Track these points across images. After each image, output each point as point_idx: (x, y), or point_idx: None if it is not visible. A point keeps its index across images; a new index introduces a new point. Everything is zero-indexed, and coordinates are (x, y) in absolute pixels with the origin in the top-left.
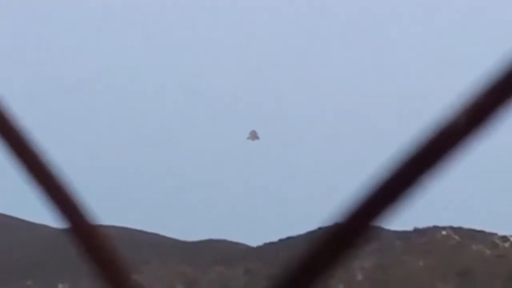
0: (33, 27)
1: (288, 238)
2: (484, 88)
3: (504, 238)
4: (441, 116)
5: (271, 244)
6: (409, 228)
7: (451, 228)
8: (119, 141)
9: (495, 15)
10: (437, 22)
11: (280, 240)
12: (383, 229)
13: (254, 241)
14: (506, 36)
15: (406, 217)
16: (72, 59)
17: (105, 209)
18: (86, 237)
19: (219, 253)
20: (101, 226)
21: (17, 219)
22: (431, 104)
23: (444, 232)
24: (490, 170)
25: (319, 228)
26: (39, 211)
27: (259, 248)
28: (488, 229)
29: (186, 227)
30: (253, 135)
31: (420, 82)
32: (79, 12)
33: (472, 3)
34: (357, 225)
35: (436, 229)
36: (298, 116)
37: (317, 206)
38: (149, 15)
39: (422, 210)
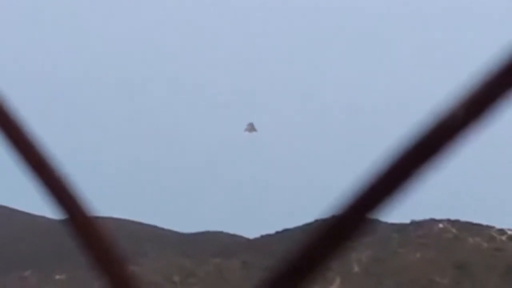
0: (29, 25)
1: (285, 230)
2: (482, 81)
3: (501, 231)
4: (439, 109)
5: (268, 236)
6: (406, 220)
7: (448, 221)
8: (117, 133)
9: (492, 8)
10: (435, 15)
11: (277, 232)
12: (380, 222)
13: (251, 233)
14: (503, 29)
15: (403, 209)
16: (68, 56)
17: (103, 201)
18: (84, 228)
19: (216, 245)
20: (98, 217)
21: (15, 210)
22: (430, 97)
23: (441, 225)
24: (488, 163)
25: (316, 220)
26: (37, 202)
27: (256, 240)
28: (485, 222)
29: (184, 219)
30: (251, 127)
31: (418, 76)
32: (74, 11)
33: None
34: (354, 218)
35: (433, 222)
36: (295, 108)
37: (314, 198)
38: (146, 10)
39: (419, 202)
